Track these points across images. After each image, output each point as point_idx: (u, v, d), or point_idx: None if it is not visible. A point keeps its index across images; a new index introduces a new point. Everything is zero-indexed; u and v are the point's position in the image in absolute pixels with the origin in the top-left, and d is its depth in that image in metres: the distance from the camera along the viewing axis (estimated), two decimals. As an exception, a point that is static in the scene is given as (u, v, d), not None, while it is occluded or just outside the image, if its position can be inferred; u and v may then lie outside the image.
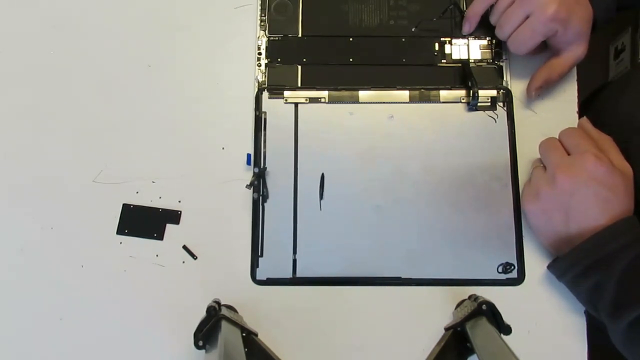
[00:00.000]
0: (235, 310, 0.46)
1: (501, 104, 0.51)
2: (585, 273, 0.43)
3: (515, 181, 0.49)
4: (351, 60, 0.52)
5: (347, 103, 0.51)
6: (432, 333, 0.44)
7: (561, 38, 0.47)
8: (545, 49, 0.50)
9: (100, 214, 0.50)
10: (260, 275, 0.48)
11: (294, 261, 0.48)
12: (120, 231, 0.49)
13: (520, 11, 0.46)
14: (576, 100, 0.52)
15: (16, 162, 0.51)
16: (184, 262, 0.49)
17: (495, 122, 0.51)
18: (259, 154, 0.50)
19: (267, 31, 0.53)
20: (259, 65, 0.52)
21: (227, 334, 0.40)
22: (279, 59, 0.52)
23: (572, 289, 0.46)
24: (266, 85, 0.51)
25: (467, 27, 0.52)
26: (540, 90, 0.50)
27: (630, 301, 0.41)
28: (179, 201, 0.50)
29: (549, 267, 0.47)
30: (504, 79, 0.52)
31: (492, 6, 0.50)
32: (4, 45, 0.53)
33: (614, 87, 0.56)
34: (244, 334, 0.42)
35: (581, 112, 0.51)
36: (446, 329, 0.43)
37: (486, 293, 0.45)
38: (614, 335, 0.43)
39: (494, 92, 0.51)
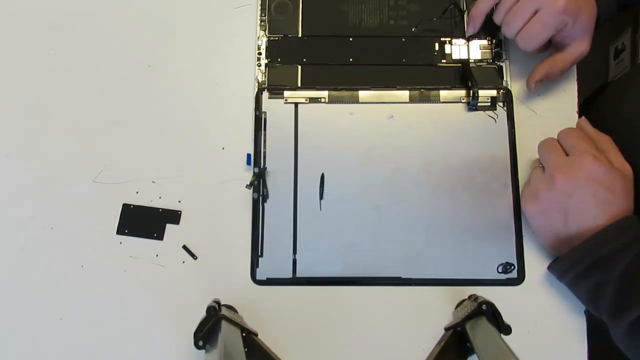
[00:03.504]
0: (235, 310, 0.46)
1: (501, 104, 0.51)
2: (586, 273, 0.43)
3: (515, 181, 0.49)
4: (351, 60, 0.52)
5: (347, 103, 0.51)
6: (432, 333, 0.44)
7: (569, 32, 0.47)
8: (549, 47, 0.50)
9: (100, 214, 0.50)
10: (260, 275, 0.48)
11: (294, 261, 0.48)
12: (120, 231, 0.49)
13: (529, 6, 0.46)
14: (576, 100, 0.52)
15: (16, 162, 0.51)
16: (184, 262, 0.49)
17: (495, 122, 0.51)
18: (259, 154, 0.50)
19: (267, 31, 0.53)
20: (259, 65, 0.52)
21: (227, 334, 0.40)
22: (279, 59, 0.52)
23: (573, 289, 0.46)
24: (266, 85, 0.51)
25: (471, 29, 0.51)
26: (540, 83, 0.50)
27: (632, 301, 0.41)
28: (179, 201, 0.50)
29: (549, 267, 0.47)
30: (504, 79, 0.52)
31: (495, 5, 0.49)
32: (4, 45, 0.53)
33: (614, 87, 0.56)
34: (244, 334, 0.42)
35: (581, 113, 0.51)
36: (446, 329, 0.43)
37: (486, 293, 0.45)
38: (615, 335, 0.43)
39: (494, 92, 0.51)
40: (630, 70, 0.57)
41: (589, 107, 0.56)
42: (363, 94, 0.51)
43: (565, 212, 0.44)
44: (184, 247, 0.49)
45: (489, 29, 0.52)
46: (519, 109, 0.51)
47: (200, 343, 0.40)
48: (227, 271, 0.49)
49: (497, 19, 0.49)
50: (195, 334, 0.41)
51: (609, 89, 0.56)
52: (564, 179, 0.44)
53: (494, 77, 0.52)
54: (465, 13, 0.53)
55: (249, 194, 0.49)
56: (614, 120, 0.50)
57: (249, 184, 0.48)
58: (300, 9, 0.53)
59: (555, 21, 0.45)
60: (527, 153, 0.50)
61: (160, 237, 0.49)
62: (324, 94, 0.51)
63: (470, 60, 0.52)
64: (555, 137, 0.47)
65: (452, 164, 0.50)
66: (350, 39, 0.53)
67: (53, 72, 0.53)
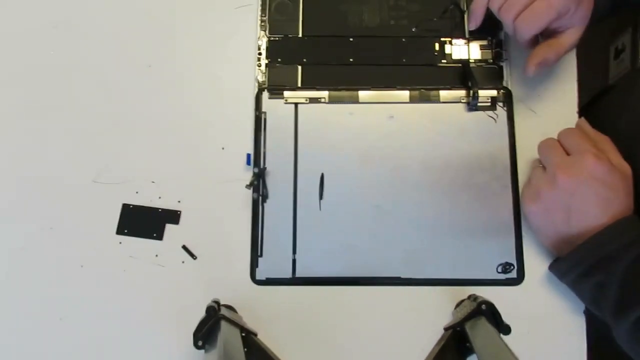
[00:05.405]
0: (234, 310, 0.47)
1: (501, 104, 0.51)
2: (588, 273, 0.43)
3: (515, 181, 0.49)
4: (351, 60, 0.52)
5: (347, 103, 0.51)
6: (432, 333, 0.44)
7: (568, 20, 0.45)
8: (537, 42, 0.48)
9: (100, 214, 0.50)
10: (259, 275, 0.48)
11: (294, 261, 0.48)
12: (120, 231, 0.49)
13: None
14: (576, 100, 0.52)
15: (16, 162, 0.51)
16: (183, 262, 0.49)
17: (495, 122, 0.51)
18: (259, 154, 0.50)
19: (267, 31, 0.53)
20: (259, 65, 0.52)
21: (227, 334, 0.40)
22: (279, 59, 0.52)
23: (575, 289, 0.46)
24: (266, 85, 0.51)
25: (473, 23, 0.50)
26: (540, 67, 0.47)
27: (634, 300, 0.41)
28: (179, 201, 0.50)
29: (550, 267, 0.47)
30: (504, 79, 0.52)
31: None
32: (4, 45, 0.53)
33: (616, 92, 0.56)
34: (243, 334, 0.42)
35: (583, 116, 0.51)
36: (446, 329, 0.43)
37: (486, 293, 0.45)
38: (618, 334, 0.43)
39: (494, 92, 0.51)
40: (631, 75, 0.57)
41: (590, 112, 0.56)
42: (363, 94, 0.51)
43: (568, 211, 0.44)
44: (184, 247, 0.49)
45: (490, 28, 0.52)
46: (519, 109, 0.51)
47: (200, 343, 0.40)
48: (226, 271, 0.49)
49: (496, 4, 0.46)
50: (194, 334, 0.41)
51: (610, 94, 0.56)
52: (567, 178, 0.44)
53: (494, 77, 0.52)
54: (466, 13, 0.53)
55: (248, 194, 0.49)
56: (615, 125, 0.50)
57: (249, 184, 0.48)
58: (301, 9, 0.53)
59: (561, 4, 0.44)
60: (527, 153, 0.50)
61: (160, 237, 0.49)
62: (324, 94, 0.51)
63: (470, 60, 0.52)
64: (555, 137, 0.47)
65: (452, 164, 0.50)
66: (350, 39, 0.53)
67: (53, 72, 0.53)
